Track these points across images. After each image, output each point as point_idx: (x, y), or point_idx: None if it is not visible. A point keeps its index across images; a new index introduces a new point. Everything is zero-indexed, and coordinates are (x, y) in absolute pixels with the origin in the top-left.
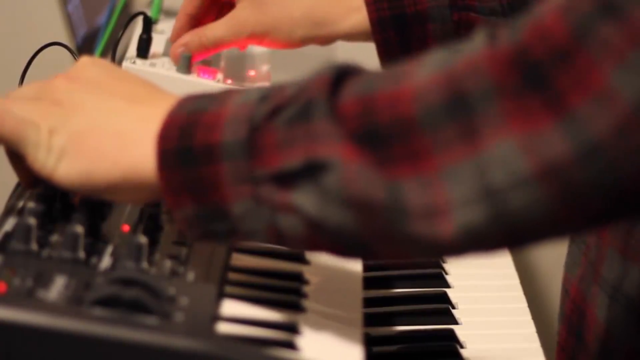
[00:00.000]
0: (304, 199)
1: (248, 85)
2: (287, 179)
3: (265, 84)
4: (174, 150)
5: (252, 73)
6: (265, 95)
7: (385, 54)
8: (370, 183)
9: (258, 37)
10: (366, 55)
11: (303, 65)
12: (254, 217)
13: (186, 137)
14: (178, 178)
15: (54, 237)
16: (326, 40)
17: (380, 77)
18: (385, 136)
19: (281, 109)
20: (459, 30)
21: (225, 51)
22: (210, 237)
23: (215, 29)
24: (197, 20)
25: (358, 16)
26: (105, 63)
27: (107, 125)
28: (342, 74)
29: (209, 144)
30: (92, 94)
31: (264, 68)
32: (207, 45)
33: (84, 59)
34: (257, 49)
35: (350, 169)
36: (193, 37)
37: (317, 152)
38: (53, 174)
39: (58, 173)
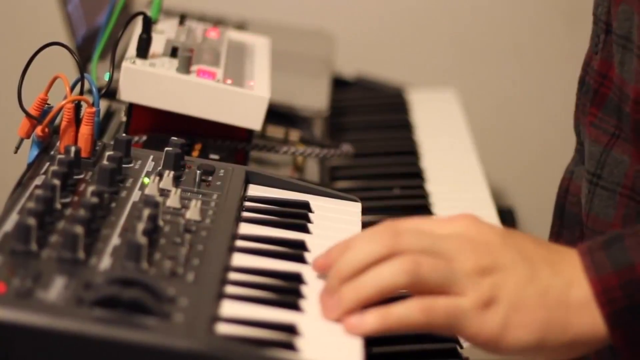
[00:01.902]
0: None
1: (248, 84)
2: None
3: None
4: (625, 309)
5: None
6: None
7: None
8: None
9: None
10: (366, 54)
11: (303, 65)
12: None
13: (634, 295)
14: (635, 333)
15: (54, 237)
16: None
17: None
18: None
19: None
20: None
21: (225, 51)
22: None
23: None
24: None
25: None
26: (487, 223)
27: (539, 292)
28: None
29: None
30: (515, 259)
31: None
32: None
33: (468, 218)
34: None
35: None
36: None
37: None
38: (500, 343)
39: (507, 342)
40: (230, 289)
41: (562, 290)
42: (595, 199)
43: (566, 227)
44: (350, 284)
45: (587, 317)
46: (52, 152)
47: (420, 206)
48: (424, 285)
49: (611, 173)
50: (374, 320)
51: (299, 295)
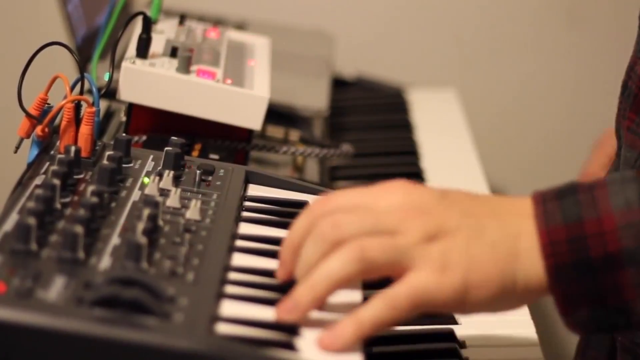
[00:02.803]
0: None
1: (248, 85)
2: None
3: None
4: (568, 264)
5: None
6: None
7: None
8: None
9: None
10: (366, 54)
11: (303, 65)
12: None
13: (579, 250)
14: (575, 289)
15: (54, 237)
16: None
17: None
18: None
19: None
20: None
21: (224, 51)
22: (605, 330)
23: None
24: None
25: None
26: (424, 187)
27: (488, 247)
28: None
29: (608, 253)
30: (459, 219)
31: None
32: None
33: (402, 185)
34: (256, 55)
35: None
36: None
37: None
38: (465, 305)
39: (471, 302)
40: (230, 289)
41: (510, 241)
42: None
43: None
44: (303, 285)
45: (533, 267)
46: (52, 152)
47: None
48: (374, 268)
49: None
50: (348, 331)
51: None
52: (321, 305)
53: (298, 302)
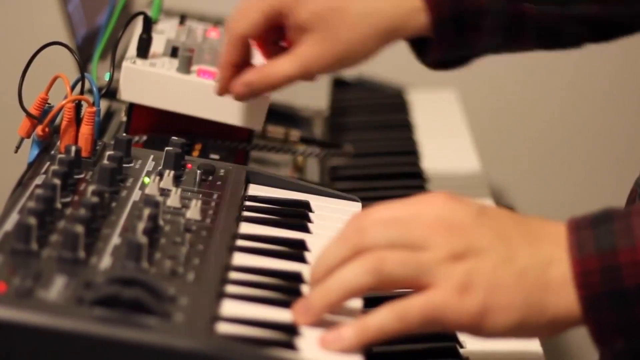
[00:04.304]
0: None
1: None
2: None
3: None
4: (601, 295)
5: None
6: None
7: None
8: None
9: (332, 68)
10: None
11: None
12: None
13: (613, 281)
14: (609, 320)
15: (55, 237)
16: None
17: None
18: None
19: None
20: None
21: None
22: None
23: (285, 68)
24: (239, 67)
25: (420, 17)
26: (462, 201)
27: (517, 273)
28: None
29: None
30: (491, 240)
31: None
32: (274, 84)
33: (440, 198)
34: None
35: None
36: (259, 76)
37: None
38: (481, 328)
39: (488, 326)
40: (230, 289)
41: (540, 269)
42: None
43: None
44: (318, 289)
45: (564, 297)
46: (52, 152)
47: None
48: (391, 281)
49: None
50: (351, 335)
51: (299, 294)
52: (334, 310)
53: (310, 305)
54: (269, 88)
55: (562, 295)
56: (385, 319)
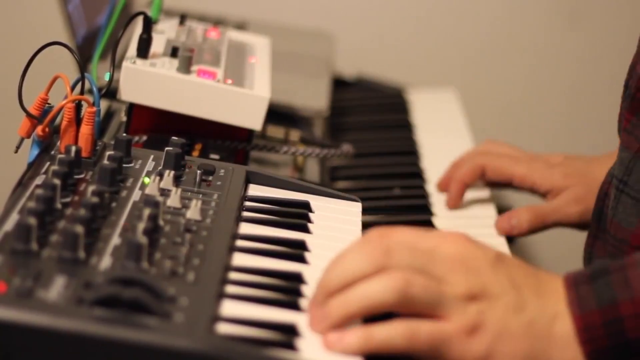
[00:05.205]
0: None
1: (248, 85)
2: None
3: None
4: (606, 348)
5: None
6: None
7: None
8: None
9: None
10: (366, 54)
11: (303, 65)
12: None
13: (617, 334)
14: None
15: (55, 237)
16: None
17: None
18: None
19: None
20: None
21: (225, 51)
22: None
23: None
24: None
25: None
26: (481, 246)
27: (525, 323)
28: None
29: None
30: (504, 288)
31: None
32: None
33: (462, 239)
34: (257, 55)
35: None
36: None
37: None
38: None
39: None
40: (230, 289)
41: (547, 322)
42: (620, 205)
43: (602, 232)
44: (338, 299)
45: (569, 352)
46: (52, 152)
47: (420, 206)
48: (411, 305)
49: (637, 181)
50: (355, 340)
51: (299, 295)
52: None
53: (329, 315)
54: None
55: (567, 350)
56: (393, 333)
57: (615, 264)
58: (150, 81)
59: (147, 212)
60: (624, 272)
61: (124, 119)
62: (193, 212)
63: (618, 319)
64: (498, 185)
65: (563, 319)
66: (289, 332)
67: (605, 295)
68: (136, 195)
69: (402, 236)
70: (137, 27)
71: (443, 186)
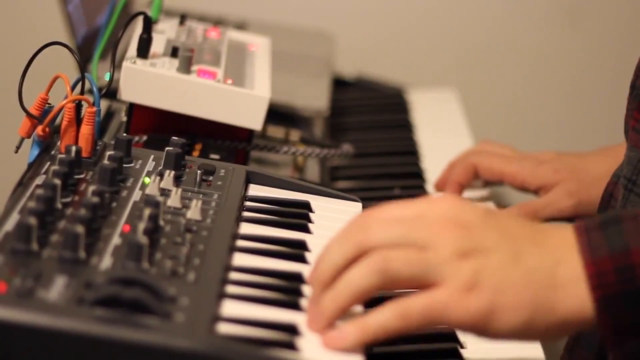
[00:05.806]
0: None
1: (248, 85)
2: None
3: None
4: (616, 295)
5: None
6: None
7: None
8: None
9: None
10: (366, 54)
11: (303, 65)
12: None
13: (628, 281)
14: (624, 320)
15: (55, 237)
16: None
17: None
18: None
19: None
20: None
21: (225, 51)
22: None
23: None
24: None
25: None
26: (469, 203)
27: (524, 272)
28: None
29: None
30: (498, 240)
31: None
32: None
33: (448, 199)
34: (257, 55)
35: None
36: None
37: None
38: (488, 328)
39: (495, 326)
40: (231, 289)
41: (549, 269)
42: (628, 205)
43: None
44: (328, 294)
45: (575, 297)
46: (52, 152)
47: None
48: (397, 281)
49: None
50: (352, 334)
51: (299, 295)
52: (337, 322)
53: (323, 311)
54: None
55: (573, 295)
56: (386, 317)
57: (627, 213)
58: (150, 81)
59: (147, 212)
60: (636, 220)
61: (124, 119)
62: (193, 212)
63: (630, 265)
64: (494, 183)
65: (567, 264)
66: (289, 332)
67: (618, 242)
68: (136, 195)
69: (383, 212)
70: (137, 27)
71: (440, 186)
